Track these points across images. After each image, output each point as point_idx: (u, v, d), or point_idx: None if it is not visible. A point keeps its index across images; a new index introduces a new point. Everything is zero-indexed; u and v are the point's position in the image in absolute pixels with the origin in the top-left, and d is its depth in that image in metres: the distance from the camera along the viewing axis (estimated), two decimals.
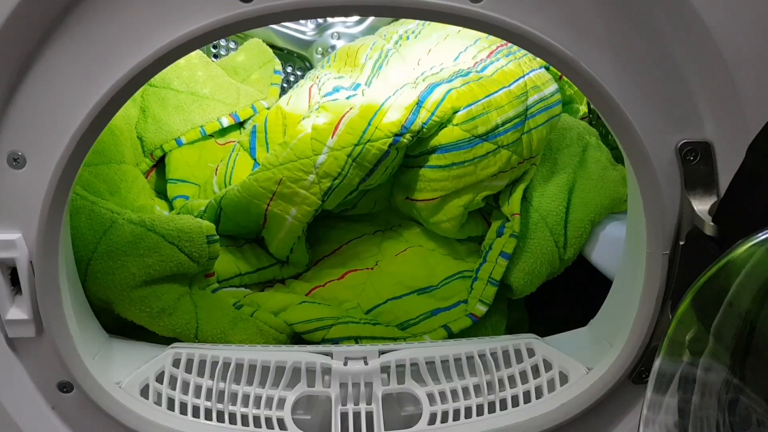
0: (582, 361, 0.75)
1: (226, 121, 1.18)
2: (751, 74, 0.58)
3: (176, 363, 0.74)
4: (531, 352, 0.77)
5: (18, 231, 0.61)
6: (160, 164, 1.15)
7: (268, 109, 1.21)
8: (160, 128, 1.13)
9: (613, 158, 0.99)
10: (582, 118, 1.12)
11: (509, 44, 1.00)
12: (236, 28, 0.58)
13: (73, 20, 0.57)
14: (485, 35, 1.03)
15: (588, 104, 1.13)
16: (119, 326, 0.82)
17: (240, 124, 1.21)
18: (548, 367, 0.76)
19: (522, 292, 0.93)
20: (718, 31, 0.57)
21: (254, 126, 1.12)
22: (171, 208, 1.07)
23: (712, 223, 0.59)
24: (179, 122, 1.14)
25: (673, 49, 0.59)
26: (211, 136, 1.17)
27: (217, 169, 1.11)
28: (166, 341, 0.79)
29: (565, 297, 1.01)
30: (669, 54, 0.59)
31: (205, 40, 0.58)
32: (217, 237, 0.87)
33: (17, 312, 0.64)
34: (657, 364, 0.56)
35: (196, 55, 1.22)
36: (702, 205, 0.61)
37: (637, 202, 0.67)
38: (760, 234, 0.47)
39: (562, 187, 0.94)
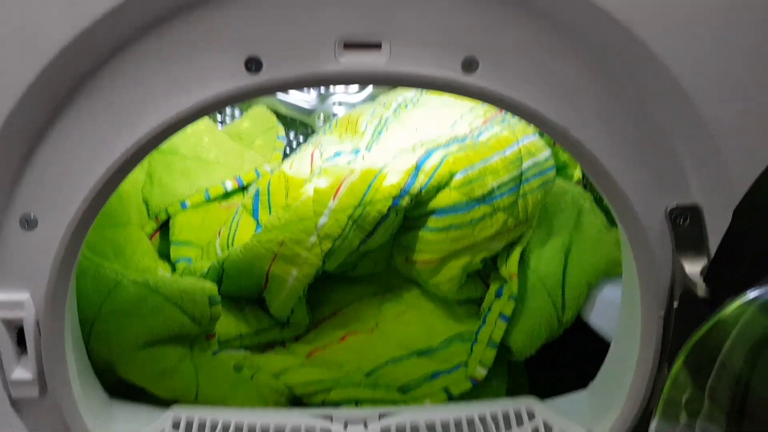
0: (582, 423, 0.75)
1: (230, 185, 1.20)
2: (734, 141, 0.60)
3: (176, 425, 0.74)
4: (531, 415, 0.77)
5: (26, 291, 0.62)
6: (164, 227, 1.17)
7: (271, 173, 1.24)
8: (166, 192, 1.15)
9: (607, 222, 1.01)
10: (576, 183, 1.14)
11: (503, 112, 1.04)
12: (244, 98, 0.61)
13: (87, 91, 0.60)
14: (480, 104, 1.06)
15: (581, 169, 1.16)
16: (120, 387, 0.82)
17: (243, 188, 1.23)
18: (548, 430, 0.76)
19: (522, 355, 0.93)
20: (701, 102, 0.59)
21: (257, 189, 1.15)
22: (173, 271, 1.09)
23: (703, 285, 0.60)
24: (185, 186, 1.16)
25: (660, 119, 0.62)
26: (215, 199, 1.20)
27: (220, 232, 1.13)
28: (167, 402, 0.79)
29: (565, 359, 1.01)
30: (656, 123, 0.62)
31: (213, 108, 0.61)
32: (219, 298, 0.88)
33: (22, 372, 0.64)
34: (653, 425, 0.56)
35: (203, 121, 1.25)
36: (693, 267, 0.62)
37: (630, 265, 0.68)
38: (748, 293, 0.48)
39: (559, 249, 0.96)
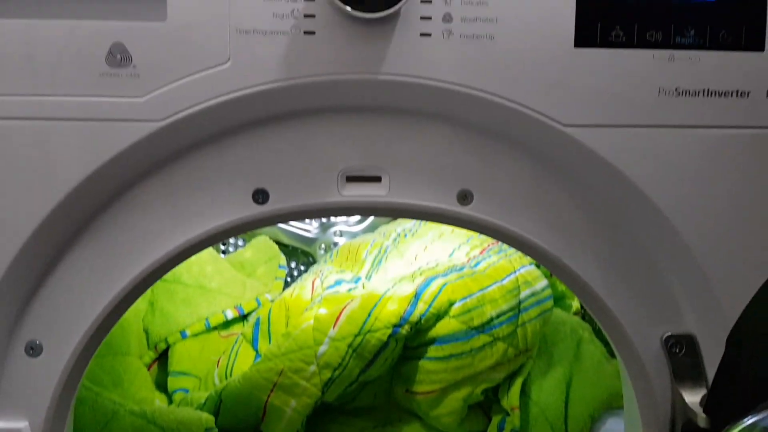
0: None
1: (231, 314, 1.21)
2: (724, 273, 0.62)
3: None
4: None
5: (25, 419, 0.61)
6: (162, 357, 1.16)
7: (272, 301, 1.25)
8: (167, 321, 1.15)
9: (607, 353, 1.01)
10: (575, 313, 1.15)
11: (500, 242, 1.07)
12: (251, 227, 0.63)
13: (95, 224, 0.62)
14: (477, 234, 1.09)
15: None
16: None
17: (244, 317, 1.23)
18: None
19: None
20: (691, 238, 0.62)
21: (258, 318, 1.15)
22: (170, 402, 1.07)
23: (704, 415, 0.60)
24: (186, 315, 1.16)
25: (651, 251, 0.64)
26: (215, 328, 1.20)
27: (218, 361, 1.12)
28: None
29: None
30: (647, 255, 0.64)
31: (220, 238, 0.63)
32: (216, 430, 0.87)
33: None
34: None
35: (206, 250, 1.27)
36: (693, 397, 0.62)
37: (631, 397, 0.68)
38: (745, 420, 0.48)
39: (560, 380, 0.95)
